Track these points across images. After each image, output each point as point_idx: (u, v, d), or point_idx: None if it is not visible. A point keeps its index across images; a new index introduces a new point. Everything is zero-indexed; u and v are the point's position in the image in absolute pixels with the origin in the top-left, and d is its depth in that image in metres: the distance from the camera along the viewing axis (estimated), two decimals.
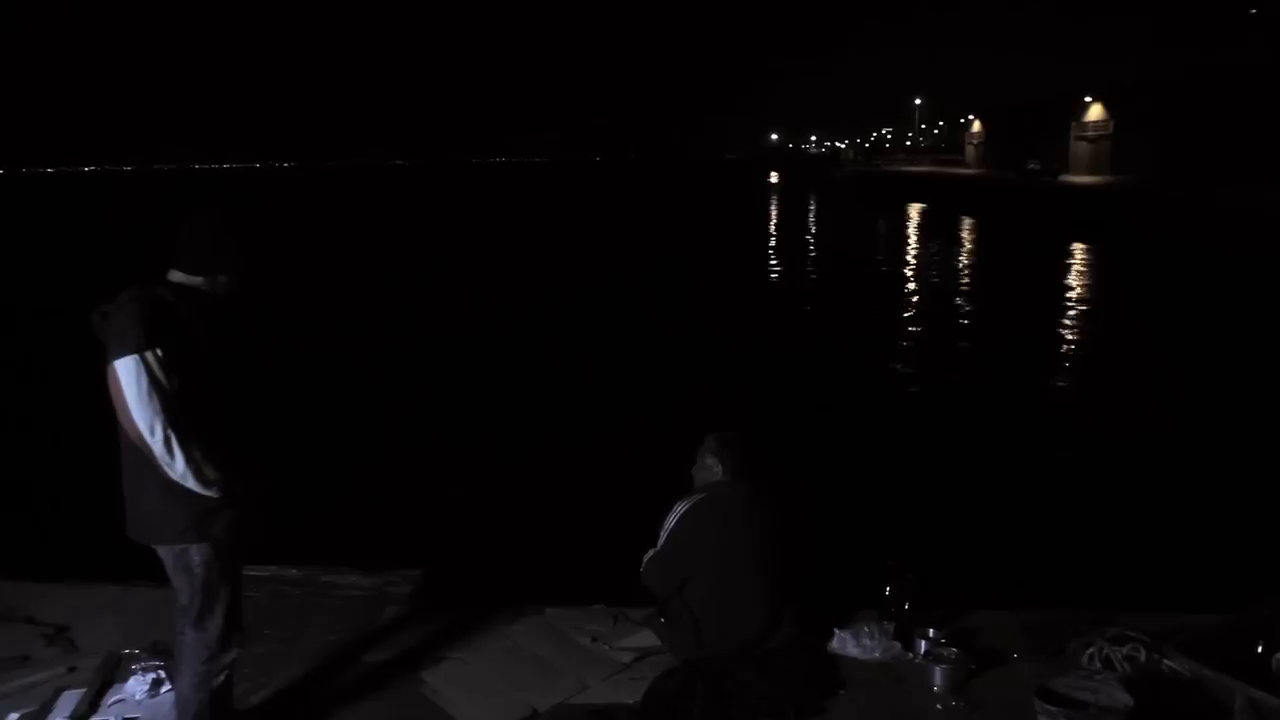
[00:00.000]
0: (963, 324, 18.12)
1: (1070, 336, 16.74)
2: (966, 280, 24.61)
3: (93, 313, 2.98)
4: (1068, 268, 25.80)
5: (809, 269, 27.84)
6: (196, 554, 3.01)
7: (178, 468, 2.86)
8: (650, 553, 3.93)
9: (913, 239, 38.21)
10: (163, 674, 3.69)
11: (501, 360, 14.50)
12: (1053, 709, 3.05)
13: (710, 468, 4.00)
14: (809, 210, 58.04)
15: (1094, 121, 56.00)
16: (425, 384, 12.87)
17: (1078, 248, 29.54)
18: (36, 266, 29.14)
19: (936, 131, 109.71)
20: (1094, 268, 25.86)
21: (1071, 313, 18.88)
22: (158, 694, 3.61)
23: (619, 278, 24.75)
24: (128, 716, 3.48)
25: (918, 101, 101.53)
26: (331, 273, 26.92)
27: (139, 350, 2.81)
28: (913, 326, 17.70)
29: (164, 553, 3.07)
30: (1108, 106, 54.28)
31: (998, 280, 24.18)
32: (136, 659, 3.83)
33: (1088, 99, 56.11)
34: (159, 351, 2.83)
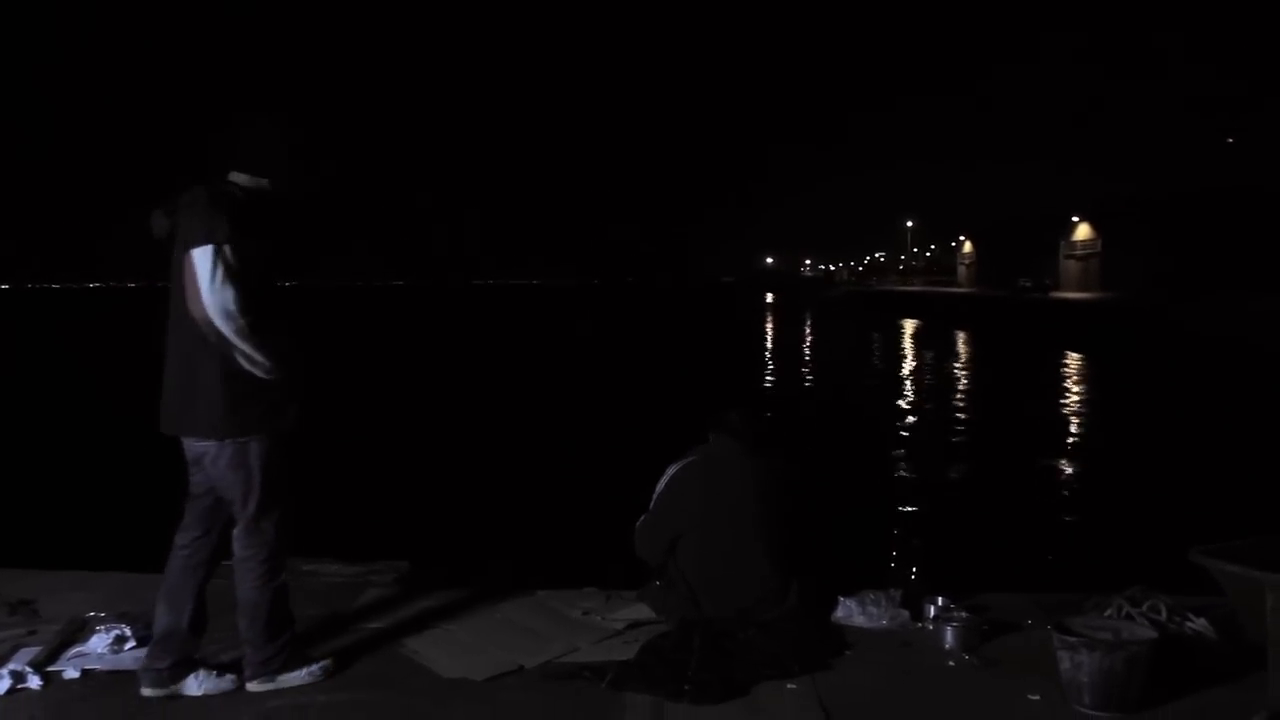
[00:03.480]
0: (957, 413, 18.06)
1: (1059, 418, 16.75)
2: (961, 378, 24.67)
3: (153, 213, 3.01)
4: (1055, 373, 25.89)
5: (805, 370, 27.90)
6: (257, 446, 2.98)
7: (248, 351, 2.87)
8: (642, 518, 3.79)
9: (908, 348, 38.43)
10: (127, 631, 3.49)
11: (506, 395, 14.62)
12: (1072, 639, 2.86)
13: (707, 438, 3.90)
14: (805, 325, 58.57)
15: (1082, 240, 57.24)
16: (432, 399, 12.88)
17: (1064, 356, 29.71)
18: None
19: (929, 254, 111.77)
20: (1079, 373, 25.97)
21: (1062, 405, 18.91)
22: (121, 650, 3.40)
23: (623, 373, 24.80)
24: (87, 668, 3.27)
25: (909, 224, 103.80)
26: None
27: (216, 241, 2.84)
28: (909, 416, 17.64)
29: (218, 450, 2.98)
30: (1095, 226, 55.56)
31: (988, 380, 24.27)
32: (100, 621, 3.64)
33: (1075, 219, 57.47)
34: (234, 244, 2.86)
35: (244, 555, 3.08)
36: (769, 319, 65.86)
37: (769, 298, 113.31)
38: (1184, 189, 46.88)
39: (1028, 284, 53.41)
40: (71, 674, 3.22)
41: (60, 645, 3.44)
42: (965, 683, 3.15)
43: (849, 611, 3.65)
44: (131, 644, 3.43)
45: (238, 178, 3.04)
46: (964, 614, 3.50)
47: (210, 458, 3.01)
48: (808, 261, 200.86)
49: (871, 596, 3.66)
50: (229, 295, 2.83)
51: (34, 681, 3.13)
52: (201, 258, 2.83)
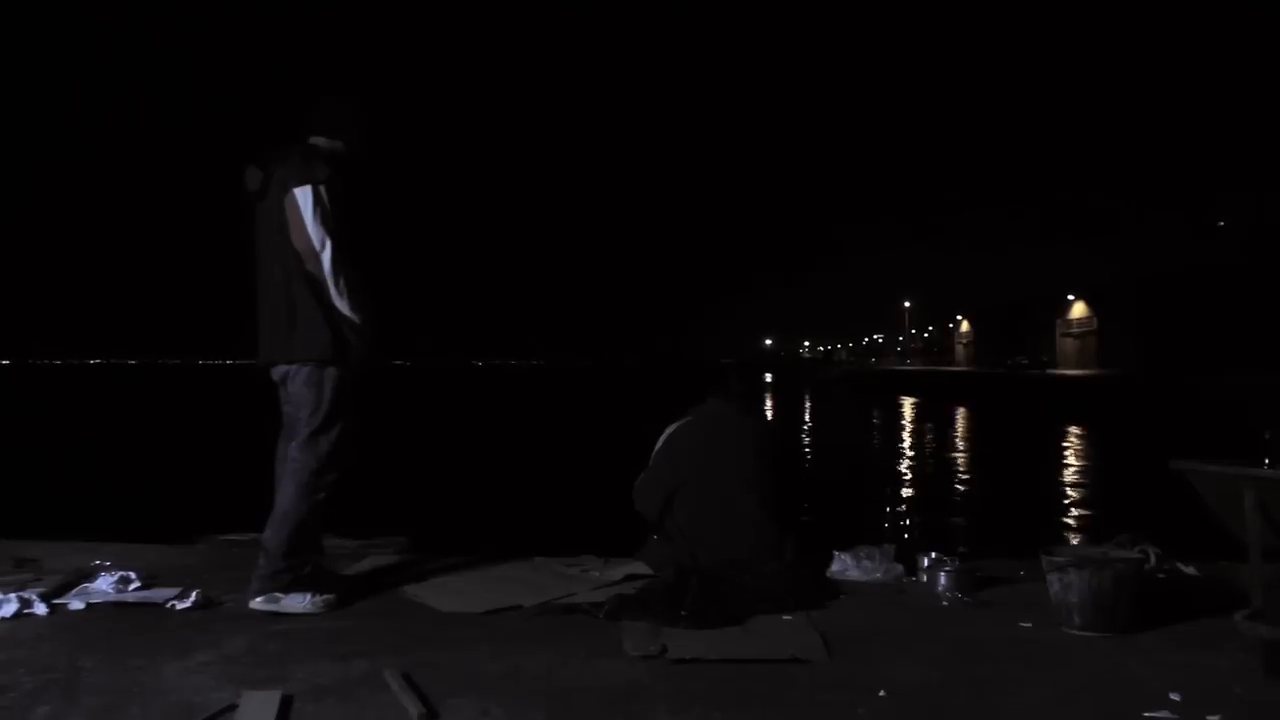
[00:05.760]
0: (955, 456, 18.09)
1: (1052, 460, 16.78)
2: (960, 447, 24.70)
3: (247, 167, 3.35)
4: (1048, 441, 25.95)
5: (804, 440, 27.93)
6: (331, 374, 3.26)
7: (340, 286, 3.20)
8: (641, 475, 3.87)
9: (907, 421, 38.47)
10: (132, 574, 3.55)
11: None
12: (1060, 560, 2.92)
13: (705, 400, 4.00)
14: (804, 402, 58.56)
15: (1078, 319, 57.64)
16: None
17: (1059, 429, 29.74)
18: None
19: (927, 334, 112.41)
20: (1072, 442, 26.03)
21: (1057, 467, 18.97)
22: (125, 589, 3.45)
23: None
24: (93, 601, 3.31)
25: (907, 304, 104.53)
26: None
27: (315, 181, 3.22)
28: (907, 461, 17.67)
29: (296, 371, 3.28)
30: (1090, 304, 56.03)
31: (985, 448, 24.32)
32: (105, 568, 3.69)
33: (1071, 297, 57.98)
34: (328, 185, 3.24)
35: (295, 466, 3.28)
36: (769, 397, 66.00)
37: (768, 377, 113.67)
38: (1175, 266, 47.46)
39: (1024, 361, 53.69)
40: (77, 605, 3.27)
41: (66, 584, 3.49)
42: (958, 615, 3.20)
43: (844, 565, 3.70)
44: (136, 584, 3.50)
45: (317, 140, 3.44)
46: (957, 561, 3.55)
47: (290, 376, 3.31)
48: (806, 343, 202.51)
49: (865, 551, 3.72)
50: (327, 229, 3.20)
51: (40, 608, 3.18)
52: (303, 195, 3.22)
